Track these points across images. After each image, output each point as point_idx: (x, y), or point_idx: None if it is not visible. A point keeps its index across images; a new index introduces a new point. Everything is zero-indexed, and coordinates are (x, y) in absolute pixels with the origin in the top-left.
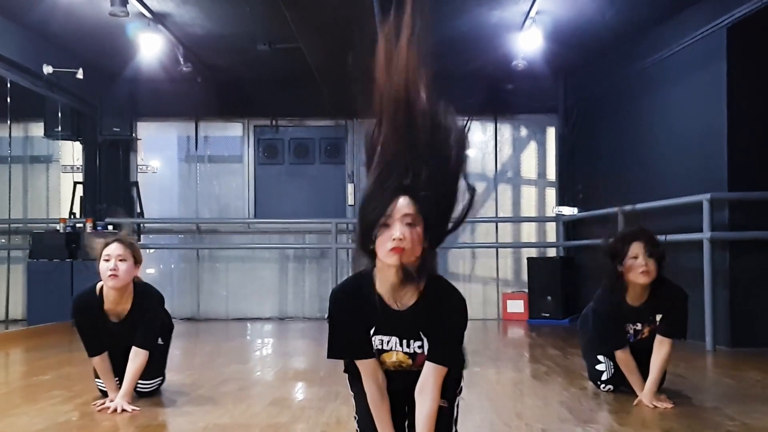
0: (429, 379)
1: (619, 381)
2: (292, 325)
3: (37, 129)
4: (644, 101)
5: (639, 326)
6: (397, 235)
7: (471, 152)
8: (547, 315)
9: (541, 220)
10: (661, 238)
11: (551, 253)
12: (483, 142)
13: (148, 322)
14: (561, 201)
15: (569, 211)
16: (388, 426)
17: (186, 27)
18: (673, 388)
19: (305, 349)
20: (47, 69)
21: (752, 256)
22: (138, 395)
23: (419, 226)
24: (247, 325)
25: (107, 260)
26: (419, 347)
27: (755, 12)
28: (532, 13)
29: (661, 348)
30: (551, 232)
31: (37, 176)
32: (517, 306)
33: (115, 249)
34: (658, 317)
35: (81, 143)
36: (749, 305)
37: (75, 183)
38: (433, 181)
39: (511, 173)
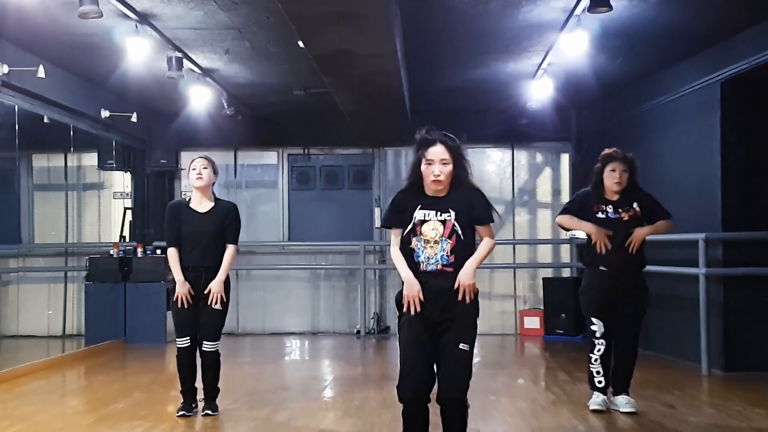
0: (483, 234)
1: (609, 337)
2: (324, 341)
3: (90, 159)
4: (646, 140)
5: (611, 209)
6: (436, 173)
7: (490, 178)
8: (561, 332)
9: (555, 242)
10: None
11: (566, 273)
12: (501, 168)
13: (230, 224)
14: None
15: (582, 234)
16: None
17: (230, 78)
18: (659, 419)
19: (340, 373)
20: (105, 113)
21: (745, 290)
22: (203, 356)
23: (450, 165)
24: (284, 342)
25: (194, 169)
26: (448, 216)
27: (747, 70)
28: (544, 65)
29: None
30: (565, 253)
31: (90, 202)
32: (533, 322)
33: (199, 161)
34: (635, 205)
35: (131, 173)
36: (742, 334)
37: (125, 209)
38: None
39: (528, 197)
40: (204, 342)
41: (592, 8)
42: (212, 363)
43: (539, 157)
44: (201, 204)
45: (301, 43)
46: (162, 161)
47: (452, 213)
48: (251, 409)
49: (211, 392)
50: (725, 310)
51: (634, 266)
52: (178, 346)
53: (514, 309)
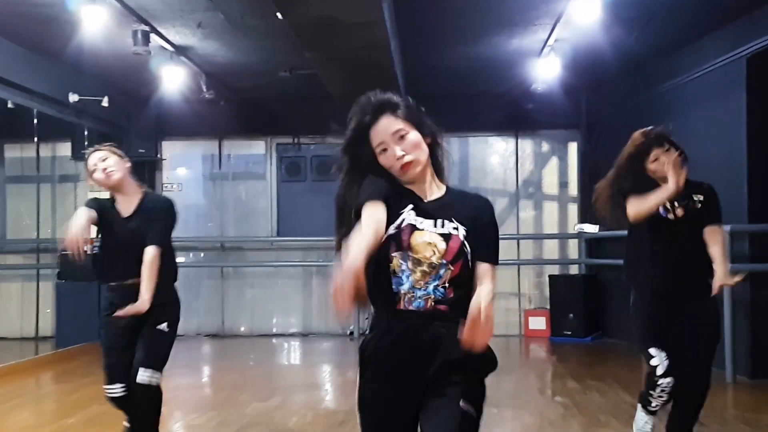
0: (484, 277)
1: (675, 370)
2: (316, 344)
3: (64, 149)
4: (665, 125)
5: (667, 204)
6: (397, 155)
7: (492, 168)
8: (569, 333)
9: (563, 237)
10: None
11: (573, 270)
12: (504, 158)
13: (155, 221)
14: (583, 218)
15: (592, 228)
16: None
17: (208, 57)
18: None
19: (328, 380)
20: (73, 97)
21: None
22: (138, 390)
23: (412, 131)
24: (274, 344)
25: (94, 170)
26: (454, 229)
27: None
28: (551, 41)
29: (713, 237)
30: (573, 249)
31: (65, 195)
32: (539, 323)
33: (93, 158)
34: (695, 198)
35: None
36: None
37: None
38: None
39: (533, 189)
40: (140, 369)
41: None
42: (145, 404)
43: (545, 146)
44: (124, 204)
45: (279, 15)
46: (141, 150)
47: (459, 226)
48: (217, 426)
49: None
50: (753, 310)
51: (700, 289)
52: (107, 395)
53: (519, 308)
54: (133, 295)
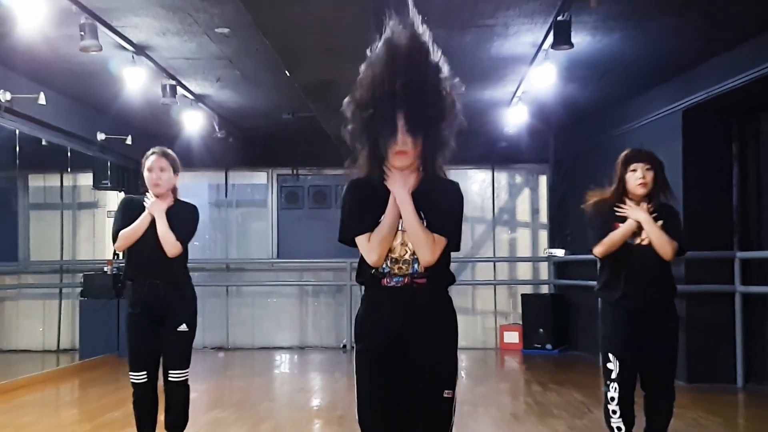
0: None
1: (626, 379)
2: (311, 356)
3: (86, 179)
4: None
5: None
6: (399, 145)
7: (471, 198)
8: (539, 346)
9: (534, 260)
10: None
11: (544, 290)
12: (482, 189)
13: (183, 221)
14: (552, 243)
15: (559, 252)
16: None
17: (222, 104)
18: None
19: (324, 385)
20: (101, 136)
21: (706, 306)
22: (170, 387)
23: (419, 136)
24: (272, 355)
25: (150, 171)
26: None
27: (707, 99)
28: (519, 93)
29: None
30: (544, 270)
31: (84, 220)
32: (512, 337)
33: (156, 161)
34: (659, 223)
35: (124, 193)
36: (703, 348)
37: None
38: (418, 92)
39: (508, 217)
40: (170, 372)
41: (555, 45)
42: (179, 398)
43: (518, 178)
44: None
45: (288, 73)
46: None
47: (425, 220)
48: (238, 420)
49: (178, 428)
50: (688, 325)
51: (663, 306)
52: (132, 381)
53: (495, 324)
54: (156, 292)
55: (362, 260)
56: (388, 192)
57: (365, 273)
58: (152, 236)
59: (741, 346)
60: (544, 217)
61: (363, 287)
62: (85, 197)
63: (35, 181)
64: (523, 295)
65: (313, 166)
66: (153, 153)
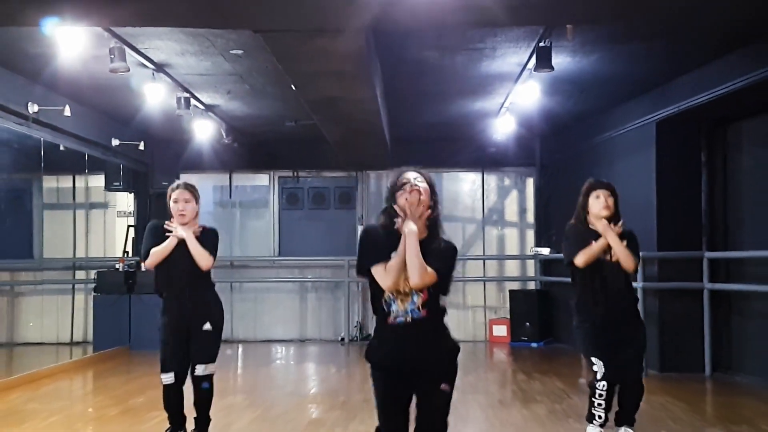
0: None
1: (611, 376)
2: (311, 348)
3: (97, 180)
4: (598, 169)
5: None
6: (412, 182)
7: (462, 199)
8: (526, 338)
9: (521, 258)
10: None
11: (530, 286)
12: (472, 191)
13: (210, 240)
14: (538, 242)
15: (545, 251)
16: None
17: (230, 113)
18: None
19: (326, 375)
20: (115, 142)
21: (677, 302)
22: (195, 383)
23: (426, 194)
24: (275, 348)
25: (176, 202)
26: None
27: (678, 112)
28: (507, 104)
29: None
30: (531, 268)
31: (95, 220)
32: (501, 330)
33: (181, 194)
34: (623, 243)
35: (134, 194)
36: (674, 340)
37: (128, 226)
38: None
39: (496, 217)
40: (196, 366)
41: (537, 69)
42: (204, 391)
43: (507, 181)
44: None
45: (293, 87)
46: (164, 183)
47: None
48: (250, 405)
49: (202, 424)
50: (660, 319)
51: (629, 313)
52: (164, 383)
53: (484, 318)
54: (184, 305)
55: (373, 296)
56: (398, 236)
57: (376, 308)
58: (179, 256)
59: (709, 338)
60: (531, 217)
61: (375, 319)
62: (96, 198)
63: (48, 182)
64: (511, 291)
65: (312, 169)
66: (178, 187)
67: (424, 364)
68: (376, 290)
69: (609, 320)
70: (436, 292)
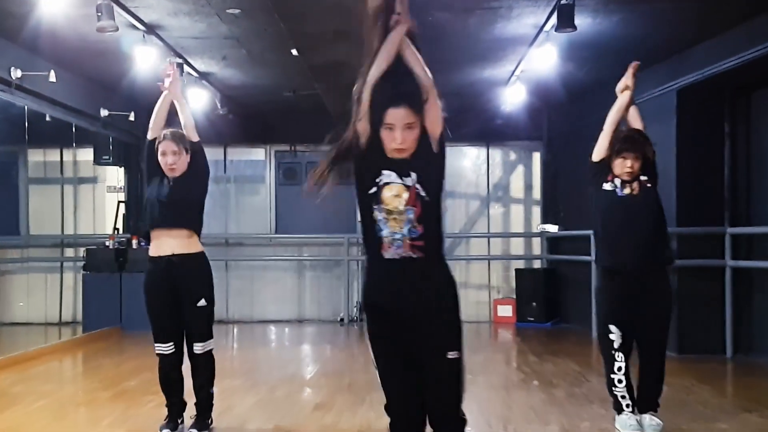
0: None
1: (628, 349)
2: (309, 329)
3: (86, 154)
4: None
5: (618, 182)
6: (398, 142)
7: (466, 174)
8: (532, 319)
9: (527, 235)
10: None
11: (536, 264)
12: (476, 166)
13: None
14: (545, 219)
15: (552, 228)
16: None
17: (225, 81)
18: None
19: (329, 356)
20: (104, 112)
21: (697, 280)
22: (194, 359)
23: (416, 128)
24: (271, 328)
25: (164, 155)
26: (411, 181)
27: (700, 80)
28: (517, 72)
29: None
30: (537, 246)
31: (84, 195)
32: (506, 310)
33: (168, 145)
34: (642, 178)
35: (125, 168)
36: (694, 320)
37: (119, 202)
38: (417, 89)
39: (502, 193)
40: (194, 344)
41: (558, 28)
42: (204, 367)
43: (513, 155)
44: (174, 173)
45: (294, 51)
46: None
47: (413, 175)
48: (252, 387)
49: (204, 404)
50: (679, 297)
51: (655, 264)
52: (159, 353)
53: (489, 298)
54: (169, 267)
55: (365, 230)
56: (382, 161)
57: (367, 238)
58: (177, 191)
59: (730, 318)
60: (537, 194)
61: (366, 257)
62: (85, 172)
63: (35, 155)
64: (516, 270)
65: (310, 143)
66: (165, 137)
67: (426, 302)
68: (365, 210)
69: (632, 278)
70: (431, 196)
